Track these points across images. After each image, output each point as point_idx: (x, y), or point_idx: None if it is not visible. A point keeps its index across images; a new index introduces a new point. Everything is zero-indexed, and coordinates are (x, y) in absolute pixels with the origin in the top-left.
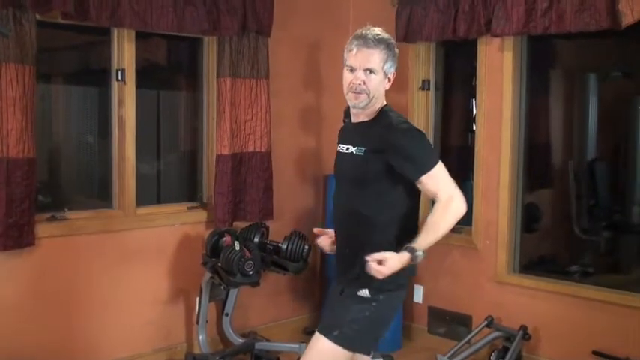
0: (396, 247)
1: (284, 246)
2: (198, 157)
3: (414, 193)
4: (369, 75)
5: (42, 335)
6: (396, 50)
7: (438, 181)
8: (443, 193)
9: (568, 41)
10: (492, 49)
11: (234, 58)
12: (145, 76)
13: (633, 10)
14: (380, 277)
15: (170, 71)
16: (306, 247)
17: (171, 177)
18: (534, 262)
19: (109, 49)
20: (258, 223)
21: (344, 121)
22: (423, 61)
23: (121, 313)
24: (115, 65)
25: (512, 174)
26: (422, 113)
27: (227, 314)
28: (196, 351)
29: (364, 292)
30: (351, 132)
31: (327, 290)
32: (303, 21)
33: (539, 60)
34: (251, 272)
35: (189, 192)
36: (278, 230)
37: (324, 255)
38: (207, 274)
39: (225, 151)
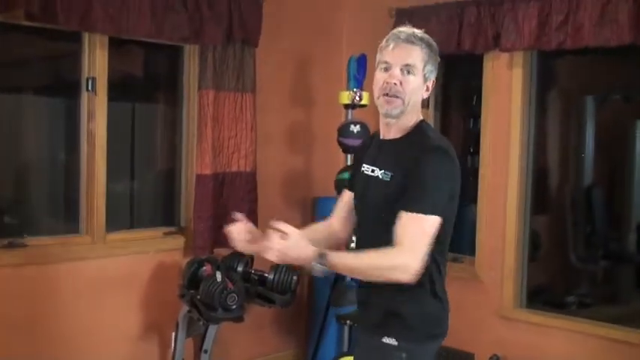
0: (426, 285)
1: (270, 276)
2: (176, 177)
3: (447, 224)
4: (406, 75)
5: None
6: (438, 58)
7: (417, 230)
8: (408, 245)
9: (565, 61)
10: (500, 65)
11: (217, 69)
12: (119, 87)
13: None
14: (273, 253)
15: (146, 83)
16: (295, 277)
17: (146, 199)
18: (531, 293)
19: (78, 57)
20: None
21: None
22: None
23: (88, 352)
24: (85, 74)
25: (520, 199)
26: None
27: (206, 351)
28: None
29: (391, 340)
30: (378, 151)
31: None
32: (293, 32)
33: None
34: (234, 306)
35: (166, 215)
36: (262, 258)
37: (312, 284)
38: (185, 308)
39: (207, 171)
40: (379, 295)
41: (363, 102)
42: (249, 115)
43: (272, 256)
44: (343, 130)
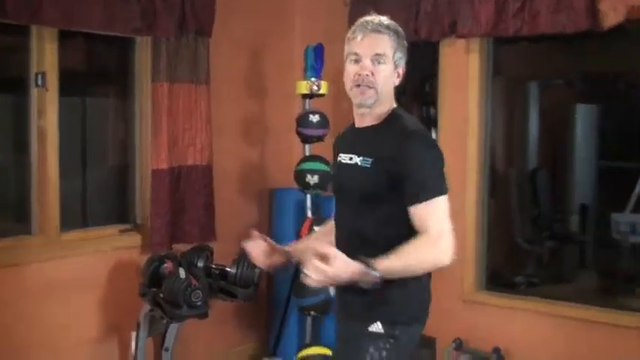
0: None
1: (233, 271)
2: (130, 173)
3: None
4: (377, 65)
5: None
6: (405, 42)
7: (435, 214)
8: (435, 229)
9: (510, 48)
10: (456, 52)
11: (171, 61)
12: (69, 81)
13: (616, 10)
14: (315, 279)
15: (97, 76)
16: (257, 271)
17: (99, 196)
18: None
19: (26, 51)
20: (202, 245)
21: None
22: None
23: (46, 357)
24: (33, 68)
25: (478, 184)
26: None
27: (167, 349)
28: None
29: (376, 327)
30: (354, 138)
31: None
32: (246, 20)
33: None
34: (199, 303)
35: (120, 213)
36: (220, 252)
37: (271, 276)
38: (146, 307)
39: (163, 165)
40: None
41: (321, 91)
42: (203, 107)
43: (317, 282)
44: (302, 120)
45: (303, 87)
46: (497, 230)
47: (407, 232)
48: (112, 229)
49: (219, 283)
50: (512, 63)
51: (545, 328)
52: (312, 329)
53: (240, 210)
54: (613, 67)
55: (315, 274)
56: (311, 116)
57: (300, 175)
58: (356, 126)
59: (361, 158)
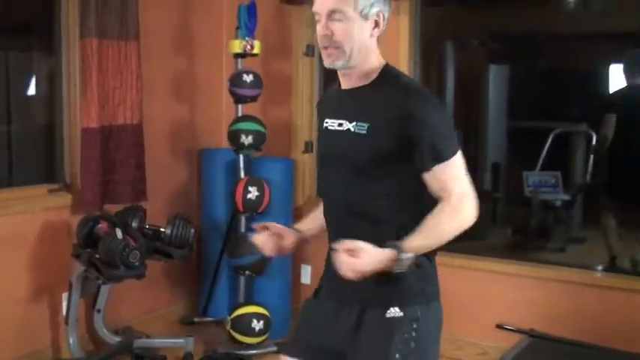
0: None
1: (168, 231)
2: (57, 131)
3: None
4: (335, 23)
5: None
6: None
7: (453, 174)
8: (456, 190)
9: (427, 8)
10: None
11: (100, 15)
12: None
13: None
14: (350, 275)
15: (21, 30)
16: (192, 230)
17: (26, 155)
18: None
19: None
20: (135, 205)
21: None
22: (308, 24)
23: None
24: None
25: None
26: (307, 82)
27: (99, 310)
28: (65, 356)
29: (394, 312)
30: (342, 101)
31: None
32: None
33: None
34: (137, 263)
35: (48, 172)
36: (150, 212)
37: (201, 235)
38: (80, 268)
39: (93, 124)
40: None
41: (254, 51)
42: (133, 64)
43: (352, 276)
44: (235, 80)
45: (237, 46)
46: None
47: (413, 198)
48: (41, 189)
49: (155, 244)
50: (428, 23)
51: (464, 281)
52: (245, 288)
53: (170, 170)
54: (525, 29)
55: (345, 270)
56: (245, 76)
57: (234, 135)
58: (342, 87)
59: (354, 124)
